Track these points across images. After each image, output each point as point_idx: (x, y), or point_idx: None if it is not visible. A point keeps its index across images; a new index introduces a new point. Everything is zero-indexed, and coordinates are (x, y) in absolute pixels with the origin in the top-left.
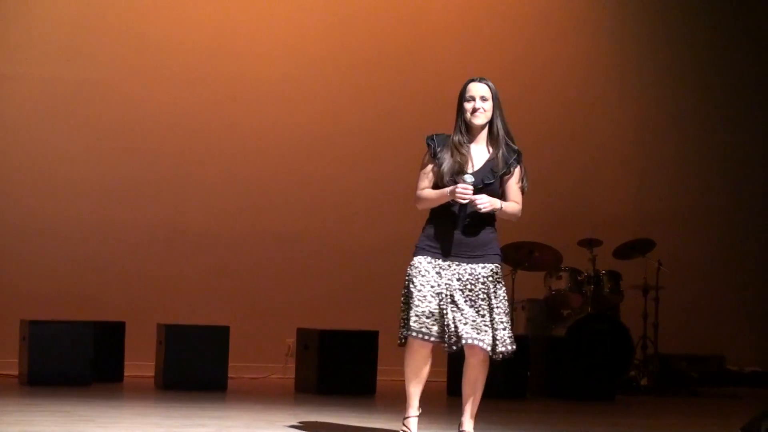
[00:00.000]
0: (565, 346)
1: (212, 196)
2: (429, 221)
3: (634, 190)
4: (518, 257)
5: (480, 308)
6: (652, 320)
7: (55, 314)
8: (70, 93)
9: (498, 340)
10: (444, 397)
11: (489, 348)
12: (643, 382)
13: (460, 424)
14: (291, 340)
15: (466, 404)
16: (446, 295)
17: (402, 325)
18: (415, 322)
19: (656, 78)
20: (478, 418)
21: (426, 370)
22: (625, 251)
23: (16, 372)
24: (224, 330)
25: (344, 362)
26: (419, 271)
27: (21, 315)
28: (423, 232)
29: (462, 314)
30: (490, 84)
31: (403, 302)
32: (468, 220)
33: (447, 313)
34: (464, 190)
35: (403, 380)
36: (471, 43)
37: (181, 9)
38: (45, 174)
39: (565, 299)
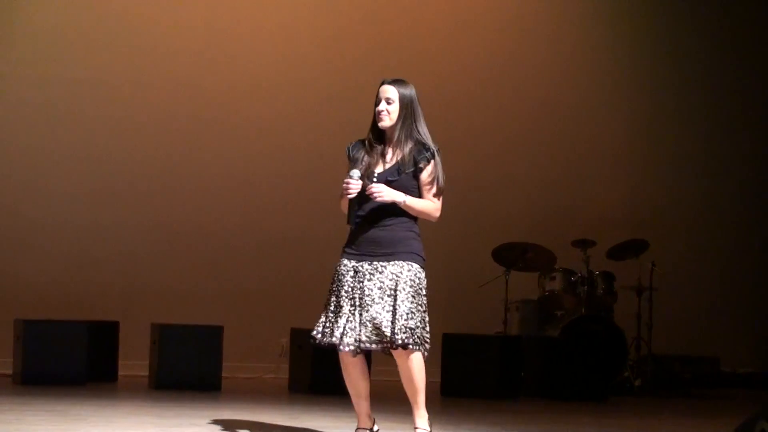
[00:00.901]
0: (558, 346)
1: (206, 197)
2: None
3: (627, 190)
4: (512, 258)
5: (385, 304)
6: (645, 321)
7: (50, 314)
8: (62, 93)
9: (396, 329)
10: (438, 397)
11: (388, 345)
12: (637, 383)
13: (413, 424)
14: (285, 340)
15: (410, 401)
16: (357, 298)
17: None
18: (317, 326)
19: (650, 79)
20: (472, 418)
21: (360, 380)
22: (619, 252)
23: (10, 371)
24: (218, 330)
25: (337, 362)
26: (337, 276)
27: (15, 314)
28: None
29: (368, 316)
30: (400, 87)
31: None
32: (371, 217)
33: (353, 319)
34: (347, 184)
35: (397, 380)
36: (463, 44)
37: (174, 10)
38: (38, 174)
39: (558, 300)
